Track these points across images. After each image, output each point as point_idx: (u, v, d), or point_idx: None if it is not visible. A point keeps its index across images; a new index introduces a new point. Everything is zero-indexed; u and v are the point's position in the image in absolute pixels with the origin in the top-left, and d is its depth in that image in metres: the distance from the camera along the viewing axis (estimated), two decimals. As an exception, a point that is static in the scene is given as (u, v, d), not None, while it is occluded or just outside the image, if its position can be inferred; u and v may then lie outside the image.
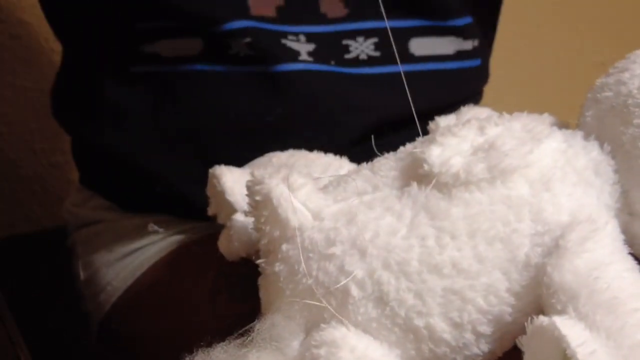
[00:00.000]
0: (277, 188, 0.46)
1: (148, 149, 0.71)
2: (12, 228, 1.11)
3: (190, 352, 0.48)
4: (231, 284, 0.63)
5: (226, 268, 0.63)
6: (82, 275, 0.77)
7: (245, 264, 0.61)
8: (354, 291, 0.45)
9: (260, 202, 0.47)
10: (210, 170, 0.58)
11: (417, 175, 0.48)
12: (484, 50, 0.78)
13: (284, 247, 0.47)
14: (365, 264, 0.45)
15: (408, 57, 0.71)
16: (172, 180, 0.70)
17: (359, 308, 0.45)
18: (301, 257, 0.46)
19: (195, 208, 0.69)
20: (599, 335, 0.41)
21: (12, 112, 1.10)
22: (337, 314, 0.45)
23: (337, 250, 0.46)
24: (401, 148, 0.51)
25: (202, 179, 0.68)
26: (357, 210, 0.47)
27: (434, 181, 0.46)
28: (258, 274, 0.59)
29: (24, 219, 1.13)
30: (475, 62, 0.75)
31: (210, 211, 0.61)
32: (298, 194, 0.47)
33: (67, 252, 0.81)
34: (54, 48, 1.09)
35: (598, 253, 0.44)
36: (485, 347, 0.46)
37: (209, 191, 0.59)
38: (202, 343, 0.47)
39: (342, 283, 0.45)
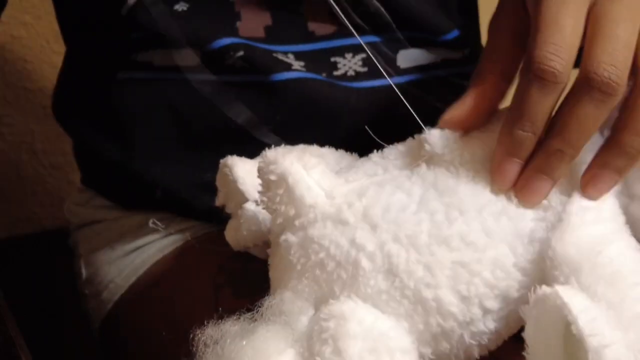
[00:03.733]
0: (293, 167, 0.47)
1: (146, 156, 0.71)
2: (13, 228, 1.11)
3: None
4: (233, 280, 0.64)
5: (228, 264, 0.64)
6: (84, 273, 0.77)
7: (247, 260, 0.62)
8: (365, 263, 0.46)
9: (274, 182, 0.48)
10: (222, 161, 0.58)
11: (424, 157, 0.49)
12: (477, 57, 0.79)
13: (297, 222, 0.47)
14: (375, 237, 0.46)
15: (395, 70, 0.71)
16: (172, 186, 0.70)
17: (369, 280, 0.46)
18: (315, 229, 0.47)
19: (196, 211, 0.70)
20: (600, 306, 0.42)
21: (13, 112, 1.10)
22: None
23: (349, 223, 0.47)
24: (409, 138, 0.53)
25: (202, 184, 0.68)
26: (368, 189, 0.48)
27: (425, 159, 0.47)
28: (260, 269, 0.59)
29: (24, 220, 1.13)
30: (466, 69, 0.75)
31: (218, 201, 0.61)
32: (312, 172, 0.48)
33: (67, 252, 0.81)
34: (55, 49, 1.09)
35: (600, 228, 0.46)
36: (491, 324, 0.47)
37: (219, 181, 0.60)
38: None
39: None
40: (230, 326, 0.45)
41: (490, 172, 0.48)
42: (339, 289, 0.46)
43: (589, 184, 0.48)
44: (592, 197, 0.48)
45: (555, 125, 0.47)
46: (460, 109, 0.51)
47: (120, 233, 0.74)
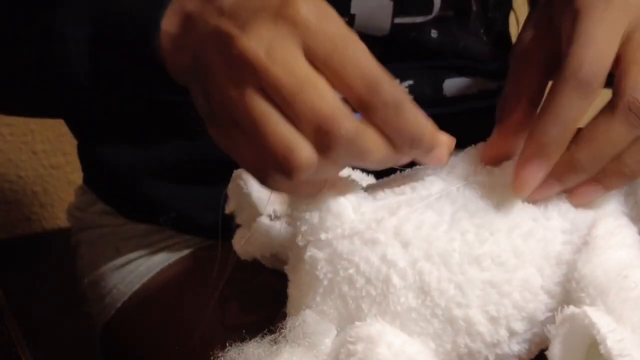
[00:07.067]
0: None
1: (158, 176, 0.70)
2: (13, 229, 1.11)
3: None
4: (240, 293, 0.63)
5: (235, 275, 0.63)
6: (86, 277, 0.77)
7: (254, 271, 0.62)
8: (396, 280, 0.45)
9: None
10: (236, 172, 0.58)
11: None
12: None
13: (323, 236, 0.47)
14: (407, 254, 0.46)
15: (441, 100, 0.70)
16: (181, 207, 0.70)
17: (399, 298, 0.45)
18: (345, 245, 0.47)
19: (205, 230, 0.69)
20: (625, 329, 0.42)
21: (13, 113, 1.10)
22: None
23: (380, 240, 0.46)
24: None
25: (212, 206, 0.67)
26: (398, 206, 0.48)
27: None
28: (266, 281, 0.59)
29: (24, 220, 1.12)
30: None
31: (229, 209, 0.61)
32: (341, 186, 0.47)
33: (67, 252, 0.80)
34: (56, 50, 1.09)
35: (625, 252, 0.46)
36: (515, 347, 0.47)
37: (231, 191, 0.59)
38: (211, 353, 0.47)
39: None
40: (253, 348, 0.45)
41: (514, 175, 0.48)
42: (368, 306, 0.46)
43: (574, 193, 0.49)
44: (575, 205, 0.49)
45: (583, 140, 0.48)
46: (493, 148, 0.52)
47: (125, 238, 0.74)
